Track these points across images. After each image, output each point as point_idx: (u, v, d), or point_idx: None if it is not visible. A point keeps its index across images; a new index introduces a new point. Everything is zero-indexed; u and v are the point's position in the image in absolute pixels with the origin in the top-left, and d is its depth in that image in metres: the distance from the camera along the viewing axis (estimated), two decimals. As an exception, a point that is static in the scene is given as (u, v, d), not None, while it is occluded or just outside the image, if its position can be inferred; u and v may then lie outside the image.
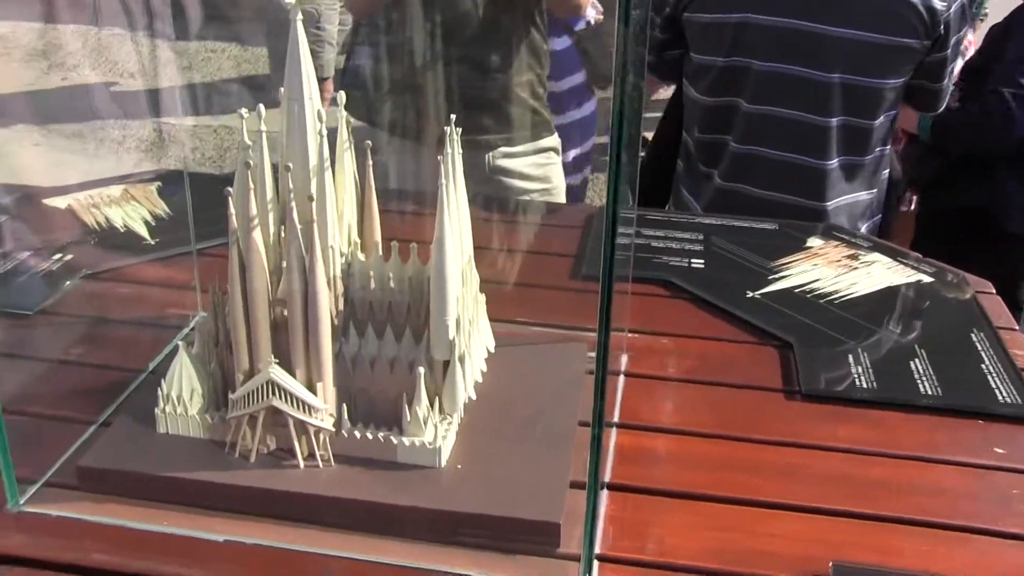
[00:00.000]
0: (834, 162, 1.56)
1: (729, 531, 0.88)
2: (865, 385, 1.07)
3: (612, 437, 0.99)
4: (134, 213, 1.37)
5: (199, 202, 1.15)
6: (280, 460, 0.90)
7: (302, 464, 0.90)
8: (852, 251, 1.36)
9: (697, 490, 0.92)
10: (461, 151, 0.91)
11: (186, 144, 1.47)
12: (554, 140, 1.83)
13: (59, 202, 1.40)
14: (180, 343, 0.93)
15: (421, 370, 0.89)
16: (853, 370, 1.09)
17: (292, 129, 0.88)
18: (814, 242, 1.38)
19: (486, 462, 0.91)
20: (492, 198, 1.64)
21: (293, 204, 0.85)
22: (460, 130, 0.90)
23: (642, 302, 1.24)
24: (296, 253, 0.86)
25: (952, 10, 1.49)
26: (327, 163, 0.88)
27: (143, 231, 1.32)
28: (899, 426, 1.02)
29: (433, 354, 0.91)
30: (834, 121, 1.54)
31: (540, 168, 1.83)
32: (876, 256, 1.34)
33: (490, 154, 1.74)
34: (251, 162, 0.84)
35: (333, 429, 0.90)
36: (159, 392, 0.92)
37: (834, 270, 1.30)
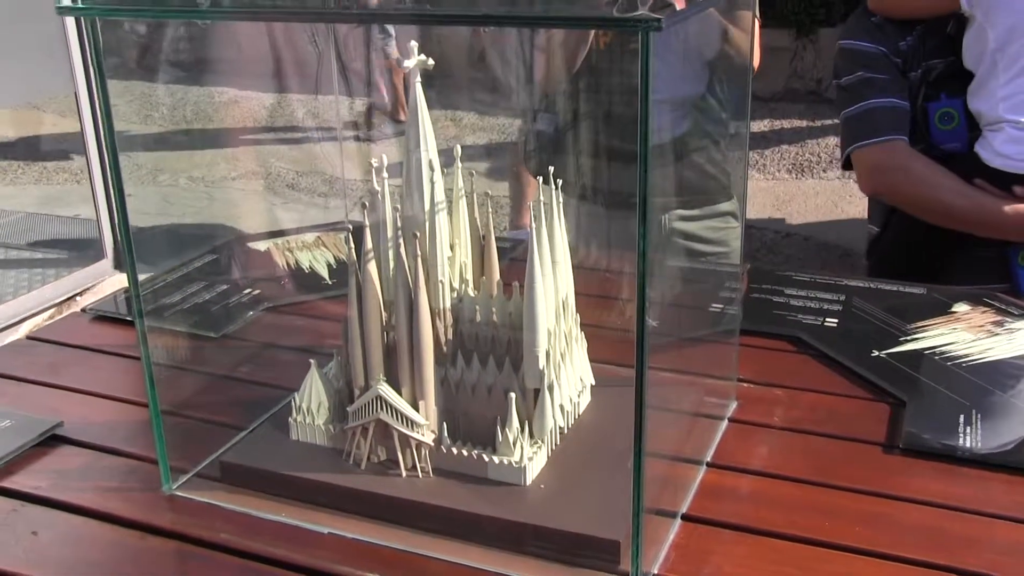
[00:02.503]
0: None
1: (790, 567, 0.91)
2: (969, 444, 1.07)
3: (700, 474, 1.04)
4: (320, 257, 1.54)
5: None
6: (387, 469, 1.01)
7: (404, 473, 1.00)
8: (999, 317, 1.34)
9: (769, 527, 0.96)
10: (561, 198, 1.01)
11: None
12: (731, 205, 1.88)
13: (261, 245, 1.59)
14: (312, 361, 1.06)
15: (512, 395, 0.98)
16: (961, 430, 1.09)
17: (410, 176, 1.00)
18: (960, 307, 1.37)
19: (567, 484, 0.99)
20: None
21: (401, 241, 0.97)
22: (560, 181, 1.00)
23: (765, 355, 1.28)
24: (403, 284, 0.98)
25: None
26: (439, 207, 1.00)
27: (324, 272, 1.49)
28: (997, 487, 1.02)
29: (525, 382, 1.00)
30: None
31: (717, 232, 1.89)
32: (1024, 324, 1.32)
33: (665, 216, 1.82)
34: (366, 202, 0.97)
35: (433, 444, 1.01)
36: (292, 403, 1.06)
37: (973, 334, 1.29)
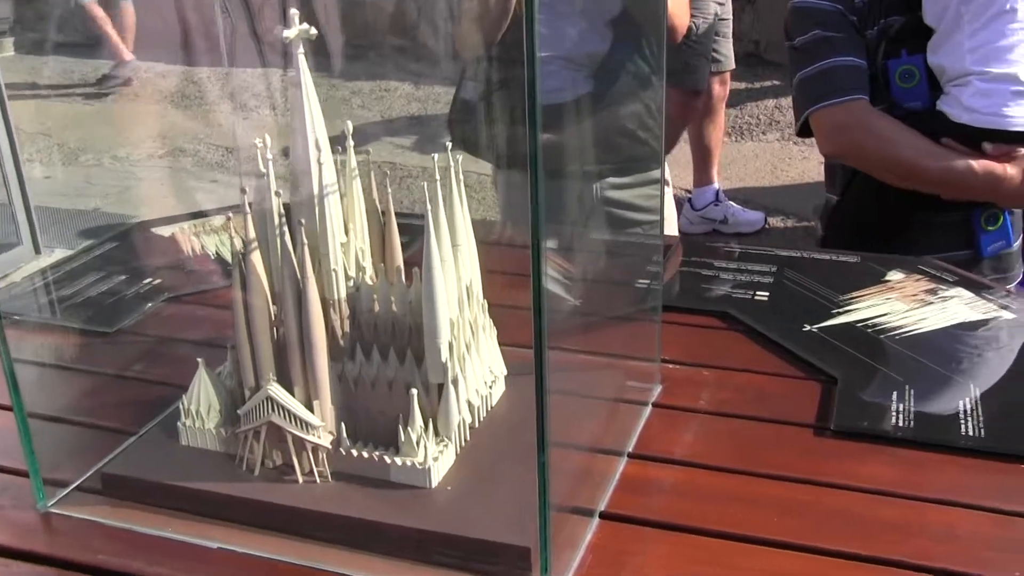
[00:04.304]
0: None
1: (712, 565, 0.85)
2: (902, 423, 1.01)
3: (620, 466, 0.98)
4: (228, 241, 1.45)
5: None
6: (282, 475, 0.94)
7: (300, 479, 0.93)
8: (933, 285, 1.29)
9: (690, 523, 0.90)
10: (461, 176, 0.94)
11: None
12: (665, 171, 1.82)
13: (165, 230, 1.50)
14: (200, 360, 0.98)
15: (414, 391, 0.91)
16: (894, 407, 1.04)
17: (296, 158, 0.92)
18: (894, 276, 1.32)
19: (476, 485, 0.92)
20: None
21: (286, 229, 0.89)
22: (460, 157, 0.93)
23: (692, 333, 1.22)
24: (289, 276, 0.90)
25: None
26: (329, 190, 0.92)
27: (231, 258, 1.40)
28: (930, 467, 0.97)
29: (428, 377, 0.93)
30: None
31: (650, 200, 1.82)
32: (958, 291, 1.27)
33: (597, 185, 1.75)
34: (246, 187, 0.89)
35: (331, 447, 0.93)
36: (180, 406, 0.98)
37: (907, 304, 1.24)
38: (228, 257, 1.41)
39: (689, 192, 3.82)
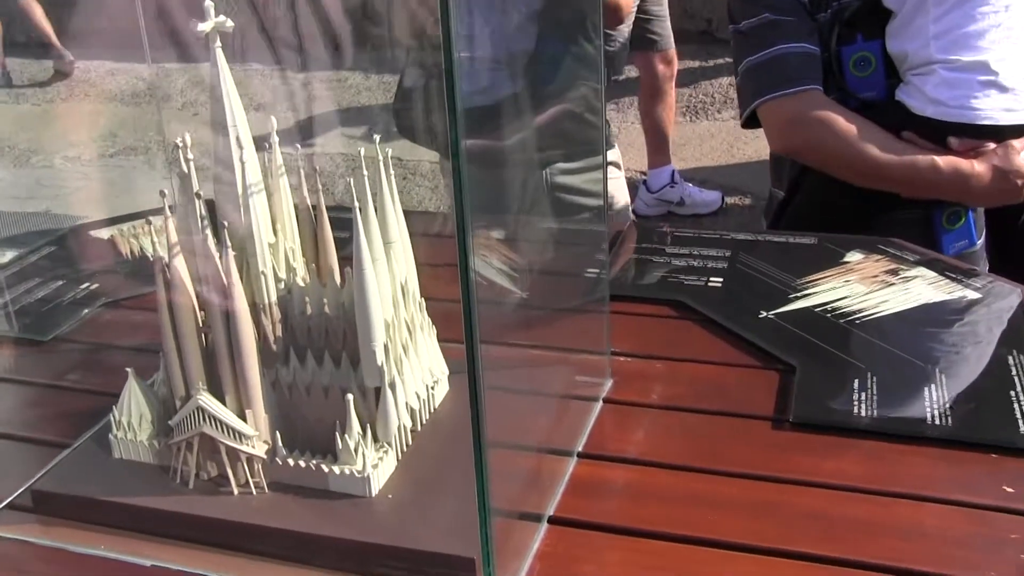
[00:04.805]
0: None
1: (669, 571, 0.81)
2: (864, 414, 0.98)
3: (570, 467, 0.94)
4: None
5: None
6: (218, 486, 0.90)
7: (236, 491, 0.89)
8: (894, 266, 1.25)
9: (645, 527, 0.86)
10: (391, 168, 0.90)
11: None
12: (614, 154, 1.78)
13: (104, 232, 1.45)
14: (129, 370, 0.94)
15: (350, 397, 0.87)
16: (855, 397, 1.00)
17: (218, 158, 0.88)
18: (853, 256, 1.29)
19: (418, 492, 0.88)
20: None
21: (208, 232, 0.85)
22: (389, 150, 0.89)
23: (644, 323, 1.18)
24: (214, 281, 0.85)
25: None
26: (253, 189, 0.87)
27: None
28: (896, 460, 0.93)
29: (364, 381, 0.89)
30: None
31: (598, 184, 1.78)
32: (920, 271, 1.24)
33: (547, 171, 1.71)
34: (164, 190, 0.84)
35: (266, 456, 0.89)
36: (111, 418, 0.94)
37: (867, 286, 1.21)
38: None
39: (644, 174, 3.79)
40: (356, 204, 0.85)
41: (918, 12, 1.44)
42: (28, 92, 3.84)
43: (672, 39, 3.51)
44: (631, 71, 3.85)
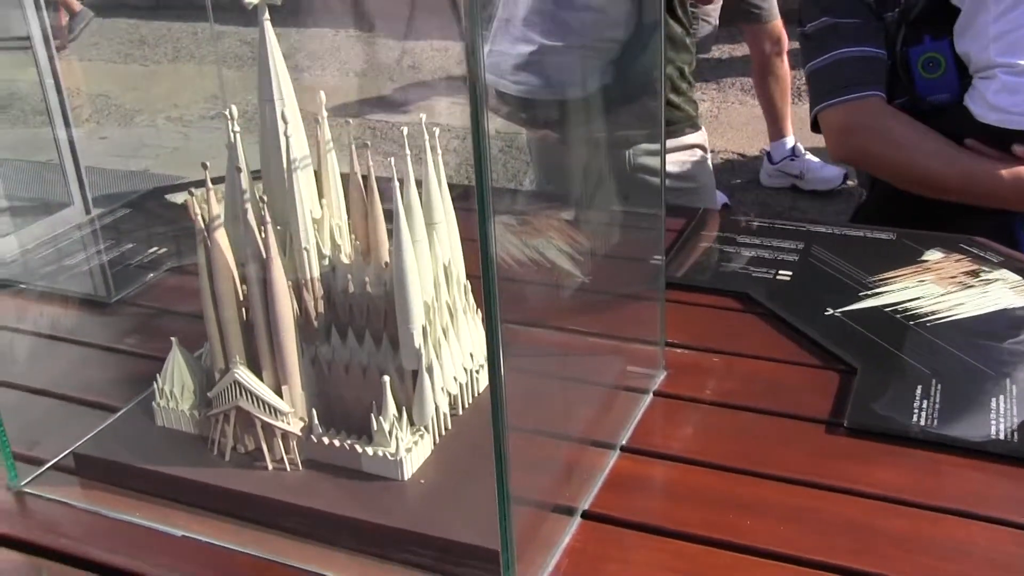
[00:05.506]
0: None
1: (693, 576, 0.79)
2: (924, 423, 0.93)
3: (611, 461, 0.92)
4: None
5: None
6: (253, 460, 0.90)
7: (271, 466, 0.89)
8: (975, 267, 1.19)
9: (678, 527, 0.83)
10: (438, 149, 0.88)
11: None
12: (699, 136, 1.74)
13: (178, 196, 1.46)
14: (173, 339, 0.94)
15: (386, 379, 0.86)
16: (917, 404, 0.96)
17: (265, 131, 0.87)
18: (932, 255, 1.23)
19: (451, 479, 0.86)
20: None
21: (248, 207, 0.84)
22: (436, 130, 0.87)
23: (706, 315, 1.14)
24: (253, 255, 0.85)
25: None
26: (299, 164, 0.87)
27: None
28: (950, 473, 0.88)
29: (402, 363, 0.88)
30: None
31: (683, 166, 1.74)
32: (1002, 273, 1.17)
33: (630, 151, 1.68)
34: (207, 163, 0.84)
35: (301, 433, 0.89)
36: (155, 386, 0.94)
37: (943, 287, 1.15)
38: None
39: (742, 156, 3.72)
40: (396, 186, 0.83)
41: (979, 10, 1.37)
42: (136, 52, 3.92)
43: (776, 12, 3.41)
44: (735, 50, 3.76)
